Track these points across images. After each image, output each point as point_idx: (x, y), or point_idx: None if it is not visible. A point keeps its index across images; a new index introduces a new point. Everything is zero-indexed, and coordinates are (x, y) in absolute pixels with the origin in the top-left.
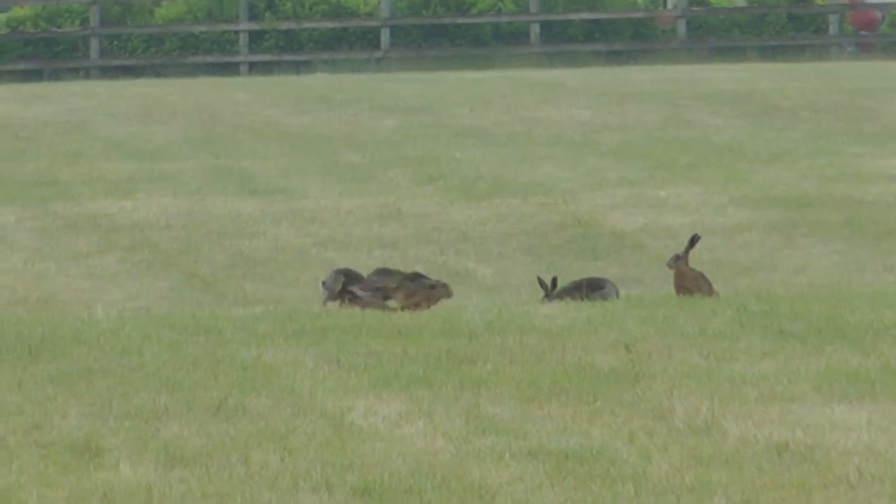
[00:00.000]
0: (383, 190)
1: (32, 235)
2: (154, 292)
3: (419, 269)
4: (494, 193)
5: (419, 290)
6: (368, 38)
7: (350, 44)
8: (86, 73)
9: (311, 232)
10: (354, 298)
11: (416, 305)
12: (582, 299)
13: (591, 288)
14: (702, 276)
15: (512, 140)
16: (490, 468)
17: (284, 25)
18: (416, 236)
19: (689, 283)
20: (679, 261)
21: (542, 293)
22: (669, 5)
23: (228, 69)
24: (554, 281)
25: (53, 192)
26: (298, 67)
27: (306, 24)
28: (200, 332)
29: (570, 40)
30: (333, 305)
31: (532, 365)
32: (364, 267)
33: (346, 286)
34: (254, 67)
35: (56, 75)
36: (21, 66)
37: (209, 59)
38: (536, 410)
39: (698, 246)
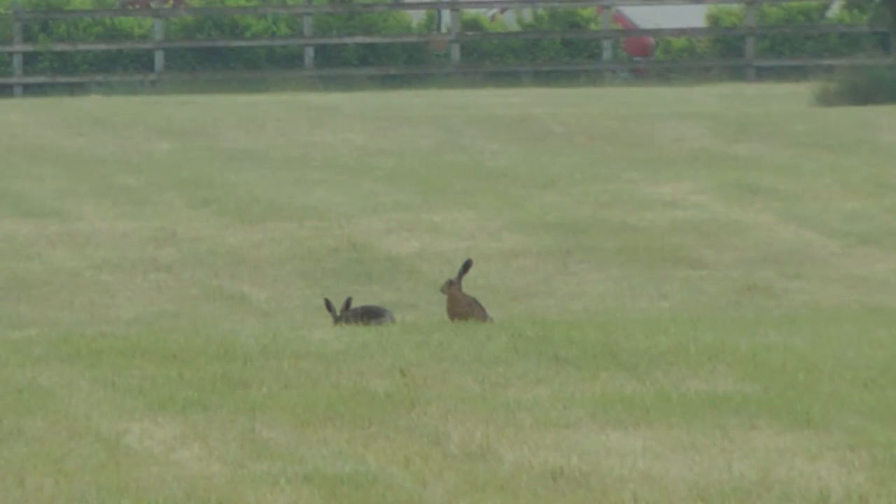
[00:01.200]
0: (158, 213)
1: None
2: None
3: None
4: (269, 217)
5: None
6: (142, 61)
7: (124, 66)
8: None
9: (86, 254)
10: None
11: None
12: (361, 325)
13: (368, 315)
14: (475, 301)
15: (287, 163)
16: (265, 493)
17: (59, 47)
18: (192, 259)
19: (462, 308)
20: (452, 286)
21: (330, 317)
22: (443, 30)
23: (2, 91)
24: (347, 302)
25: None
26: (73, 89)
27: (81, 47)
28: None
29: (345, 64)
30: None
31: (307, 389)
32: (140, 290)
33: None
34: (28, 89)
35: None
36: None
37: None
38: (312, 435)
39: (472, 271)
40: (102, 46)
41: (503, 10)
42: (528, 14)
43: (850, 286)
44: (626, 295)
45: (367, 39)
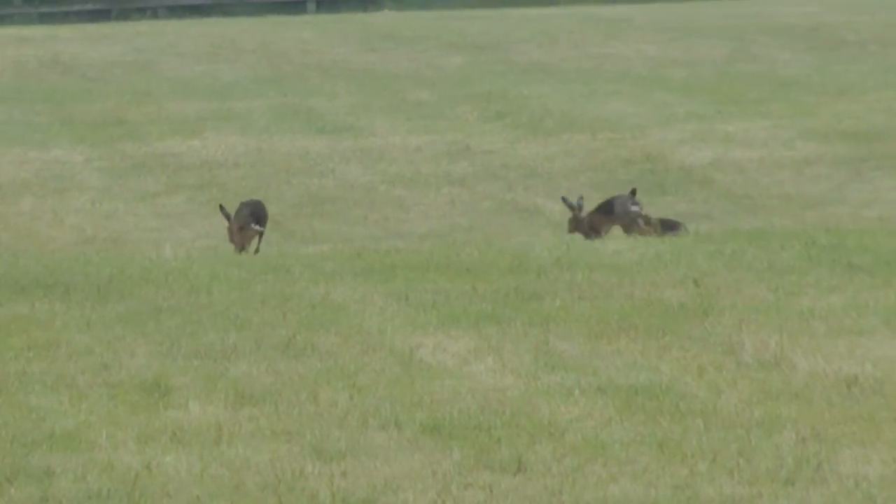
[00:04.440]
0: (451, 127)
1: (101, 175)
2: (222, 231)
3: (487, 205)
4: (562, 129)
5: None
6: None
7: None
8: (153, 13)
9: (379, 169)
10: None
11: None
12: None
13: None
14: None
15: (579, 76)
16: (559, 404)
17: None
18: (485, 173)
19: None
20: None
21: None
22: None
23: (295, 7)
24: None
25: (121, 132)
26: (366, 5)
27: None
28: (269, 270)
29: None
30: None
31: (601, 301)
32: (433, 204)
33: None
34: (321, 5)
35: (123, 15)
36: (89, 6)
37: None
38: (605, 346)
39: (765, 179)
40: None
41: None
42: None
43: None
44: None
45: None
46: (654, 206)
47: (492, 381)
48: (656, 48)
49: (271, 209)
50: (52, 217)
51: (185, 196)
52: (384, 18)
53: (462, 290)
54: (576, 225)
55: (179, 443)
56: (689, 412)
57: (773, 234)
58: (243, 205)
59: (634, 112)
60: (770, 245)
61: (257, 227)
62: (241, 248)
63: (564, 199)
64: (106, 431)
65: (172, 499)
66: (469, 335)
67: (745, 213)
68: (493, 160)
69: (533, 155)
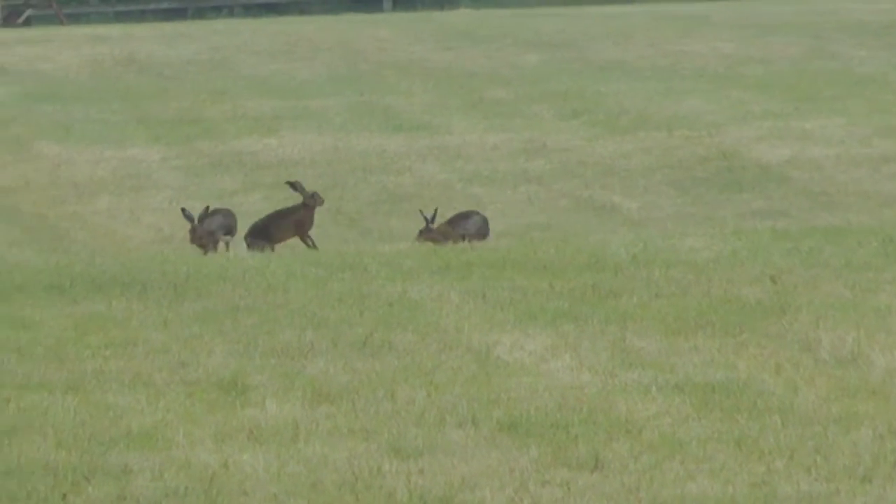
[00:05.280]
0: (528, 125)
1: (177, 174)
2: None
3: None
4: (639, 127)
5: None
6: None
7: None
8: (229, 11)
9: (456, 167)
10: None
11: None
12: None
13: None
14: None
15: (656, 73)
16: (636, 401)
17: None
18: (562, 170)
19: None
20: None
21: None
22: None
23: (372, 5)
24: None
25: (198, 131)
26: (442, 3)
27: None
28: (346, 268)
29: None
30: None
31: (678, 298)
32: (510, 202)
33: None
34: (397, 3)
35: (199, 14)
36: (165, 4)
37: None
38: (682, 343)
39: (841, 176)
40: None
41: None
42: None
43: None
44: None
45: None
46: (730, 204)
47: (569, 379)
48: (732, 46)
49: (348, 207)
50: (129, 216)
51: (262, 194)
52: (460, 17)
53: (539, 287)
54: (423, 234)
55: (257, 441)
56: (766, 409)
57: (850, 232)
58: (215, 211)
59: (711, 109)
60: (847, 242)
61: (227, 238)
62: (205, 252)
63: (421, 212)
64: (183, 429)
65: (249, 497)
66: (546, 333)
67: (822, 210)
68: (570, 158)
69: (609, 153)
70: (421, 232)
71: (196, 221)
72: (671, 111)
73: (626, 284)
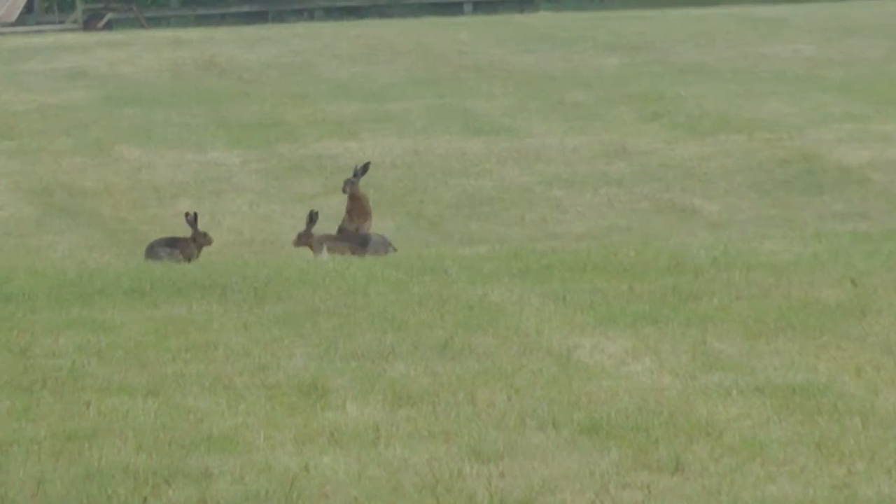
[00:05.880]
0: (608, 127)
1: (257, 177)
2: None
3: (644, 205)
4: (719, 129)
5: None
6: None
7: None
8: (309, 15)
9: (536, 170)
10: None
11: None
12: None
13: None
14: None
15: (736, 76)
16: (717, 404)
17: None
18: (642, 173)
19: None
20: (353, 185)
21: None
22: None
23: (451, 8)
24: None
25: (278, 134)
26: (522, 6)
27: None
28: (426, 271)
29: None
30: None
31: (758, 300)
32: (590, 205)
33: None
34: (477, 7)
35: (280, 17)
36: (245, 8)
37: None
38: (763, 346)
39: None
40: None
41: None
42: None
43: None
44: None
45: None
46: (811, 206)
47: (649, 382)
48: (813, 48)
49: (429, 210)
50: (210, 219)
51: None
52: (540, 19)
53: (619, 290)
54: (299, 239)
55: (337, 444)
56: (847, 411)
57: None
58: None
59: (791, 112)
60: None
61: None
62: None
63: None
64: (264, 433)
65: (330, 500)
66: (626, 335)
67: None
68: (650, 160)
69: (690, 155)
70: (300, 236)
71: (196, 228)
72: (751, 114)
73: (706, 287)
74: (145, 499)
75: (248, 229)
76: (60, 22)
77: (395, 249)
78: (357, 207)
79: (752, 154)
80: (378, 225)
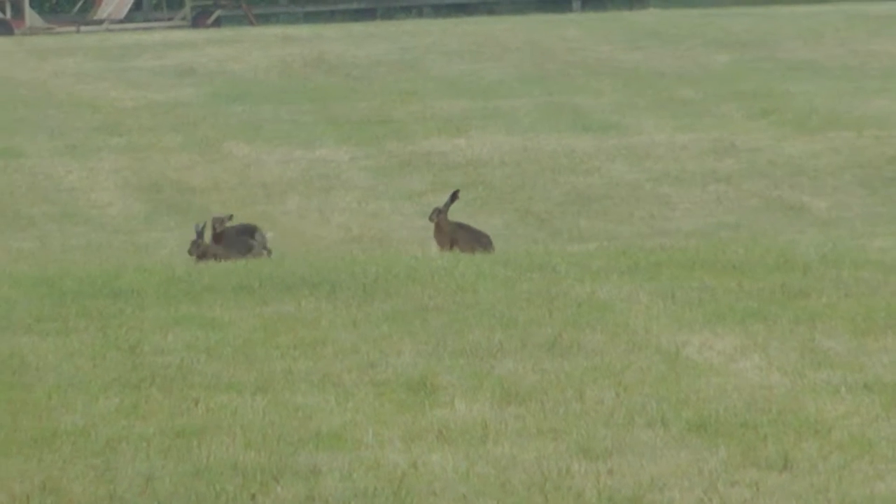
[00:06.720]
0: (717, 124)
1: (366, 174)
2: (488, 229)
3: (753, 202)
4: (828, 126)
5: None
6: None
7: None
8: (418, 12)
9: (645, 167)
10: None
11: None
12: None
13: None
14: (459, 227)
15: (845, 73)
16: (826, 402)
17: None
18: (751, 170)
19: (445, 237)
20: (440, 214)
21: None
22: None
23: (560, 5)
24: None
25: (387, 131)
26: (631, 3)
27: None
28: (535, 268)
29: None
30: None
31: (867, 298)
32: (699, 202)
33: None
34: (586, 3)
35: (388, 14)
36: (354, 5)
37: None
38: (872, 343)
39: None
40: None
41: None
42: None
43: None
44: None
45: None
46: None
47: (758, 379)
48: None
49: (537, 207)
50: (319, 216)
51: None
52: (649, 16)
53: (728, 287)
54: (195, 249)
55: (446, 441)
56: None
57: None
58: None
59: None
60: None
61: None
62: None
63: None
64: (372, 430)
65: (438, 497)
66: (735, 333)
67: None
68: (759, 158)
69: (799, 152)
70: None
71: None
72: (860, 111)
73: (815, 284)
74: (254, 495)
75: (356, 226)
76: (169, 19)
77: None
78: (438, 239)
79: (861, 151)
80: (487, 222)
